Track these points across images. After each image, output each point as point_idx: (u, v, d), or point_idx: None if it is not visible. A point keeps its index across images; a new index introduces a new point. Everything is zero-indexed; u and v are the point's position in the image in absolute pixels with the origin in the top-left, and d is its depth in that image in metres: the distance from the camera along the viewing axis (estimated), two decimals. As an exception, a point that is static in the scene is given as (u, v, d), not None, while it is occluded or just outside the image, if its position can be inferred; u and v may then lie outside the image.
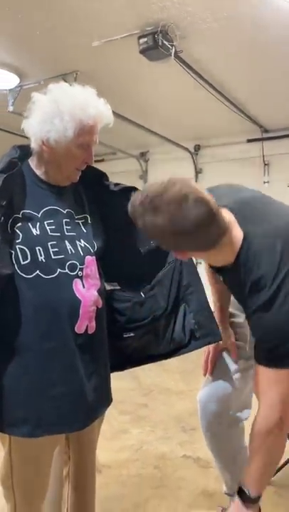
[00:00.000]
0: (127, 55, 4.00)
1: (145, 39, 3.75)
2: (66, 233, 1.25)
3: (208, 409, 1.60)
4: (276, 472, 2.01)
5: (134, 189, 1.43)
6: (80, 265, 1.23)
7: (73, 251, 1.24)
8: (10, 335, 1.15)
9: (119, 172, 7.05)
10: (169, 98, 5.05)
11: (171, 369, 3.53)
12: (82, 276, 1.23)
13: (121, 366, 1.47)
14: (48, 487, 1.21)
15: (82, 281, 1.23)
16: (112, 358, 1.37)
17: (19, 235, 1.17)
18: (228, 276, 1.32)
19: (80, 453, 1.36)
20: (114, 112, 4.66)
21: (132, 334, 1.42)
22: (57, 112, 1.17)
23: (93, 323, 1.24)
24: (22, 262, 1.16)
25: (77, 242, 1.26)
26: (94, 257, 1.28)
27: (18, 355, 1.15)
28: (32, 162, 1.28)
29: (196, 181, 6.54)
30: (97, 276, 1.29)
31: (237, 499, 1.25)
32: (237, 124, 5.57)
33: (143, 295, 1.44)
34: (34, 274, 1.16)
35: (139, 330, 1.42)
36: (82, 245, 1.27)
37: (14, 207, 1.19)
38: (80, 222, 1.31)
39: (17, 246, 1.16)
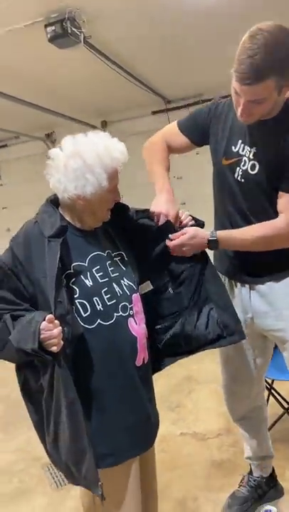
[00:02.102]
0: (34, 43, 3.84)
1: (53, 27, 3.63)
2: (112, 275, 1.32)
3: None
4: (270, 427, 2.32)
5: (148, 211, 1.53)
6: (129, 305, 1.32)
7: (121, 292, 1.32)
8: (85, 382, 1.23)
9: (25, 156, 6.80)
10: (76, 79, 4.95)
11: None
12: (133, 314, 1.32)
13: (158, 367, 1.54)
14: (135, 496, 1.33)
15: (134, 318, 1.32)
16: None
17: (76, 290, 1.23)
18: (272, 127, 1.46)
19: (145, 461, 1.48)
20: (14, 97, 4.40)
21: (160, 326, 1.52)
22: (86, 167, 1.20)
23: (146, 354, 1.36)
24: (84, 315, 1.22)
25: (122, 282, 1.34)
26: (138, 293, 1.37)
27: (95, 399, 1.24)
28: (64, 213, 1.31)
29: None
30: (143, 309, 1.38)
31: (206, 235, 1.51)
32: (141, 98, 5.64)
33: (172, 291, 1.54)
34: (96, 324, 1.24)
35: (168, 321, 1.52)
36: (126, 284, 1.34)
37: (65, 263, 1.23)
38: (117, 260, 1.38)
39: (76, 301, 1.22)
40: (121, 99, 5.73)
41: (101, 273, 1.29)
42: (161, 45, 4.38)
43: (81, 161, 1.21)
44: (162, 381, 3.20)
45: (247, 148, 1.52)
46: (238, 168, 1.55)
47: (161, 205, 1.52)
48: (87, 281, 1.25)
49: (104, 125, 6.38)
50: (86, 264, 1.27)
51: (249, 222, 1.54)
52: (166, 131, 1.76)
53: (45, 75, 4.72)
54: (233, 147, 1.57)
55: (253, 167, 1.51)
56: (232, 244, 1.54)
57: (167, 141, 1.73)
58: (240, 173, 1.54)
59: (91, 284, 1.25)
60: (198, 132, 1.67)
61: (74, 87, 5.15)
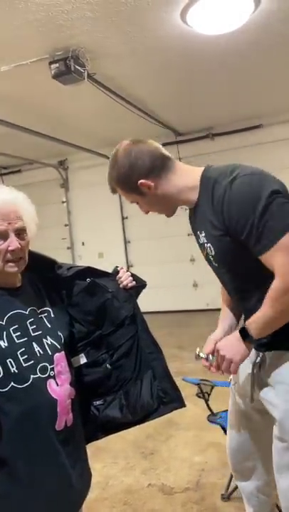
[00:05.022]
0: (39, 79, 3.96)
1: (57, 64, 3.73)
2: (32, 334, 1.28)
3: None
4: None
5: (88, 269, 1.51)
6: (50, 365, 1.27)
7: (42, 352, 1.27)
8: None
9: (39, 182, 6.95)
10: (85, 112, 5.07)
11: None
12: (54, 375, 1.28)
13: (94, 436, 1.55)
14: None
15: (55, 379, 1.28)
16: (85, 429, 1.43)
17: None
18: (200, 210, 1.42)
19: None
20: (25, 128, 4.59)
21: (101, 401, 1.51)
22: None
23: (70, 415, 1.30)
24: None
25: (44, 341, 1.30)
26: (62, 352, 1.33)
27: (7, 465, 1.18)
28: None
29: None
30: (68, 369, 1.34)
31: (236, 333, 1.36)
32: (151, 129, 5.71)
33: (109, 366, 1.52)
34: (9, 387, 1.19)
35: (108, 397, 1.49)
36: (49, 343, 1.30)
37: None
38: (43, 316, 1.34)
39: None
40: (130, 131, 5.77)
41: (19, 332, 1.25)
42: (170, 79, 4.45)
43: None
44: (141, 425, 3.11)
45: (201, 235, 1.48)
46: (210, 257, 1.49)
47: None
48: (1, 342, 1.21)
49: (115, 155, 6.49)
50: (3, 323, 1.24)
51: (243, 298, 1.49)
52: None
53: (54, 107, 4.85)
54: (198, 240, 1.52)
55: (210, 249, 1.45)
56: (261, 327, 1.35)
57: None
58: (212, 258, 1.48)
59: (6, 345, 1.22)
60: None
61: (82, 118, 5.26)
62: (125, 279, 1.54)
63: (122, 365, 1.50)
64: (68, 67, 3.69)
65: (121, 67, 4.15)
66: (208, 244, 1.44)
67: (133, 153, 1.40)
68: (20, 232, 1.28)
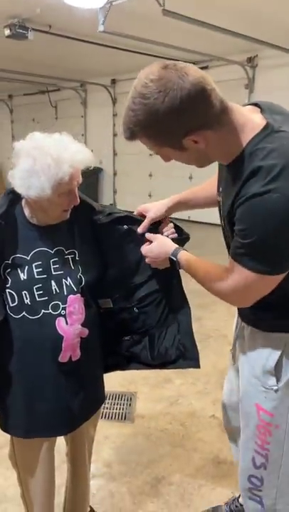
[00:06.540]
0: None
1: None
2: (53, 273, 1.38)
3: None
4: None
5: (127, 217, 1.50)
6: (62, 305, 1.38)
7: (58, 291, 1.37)
8: (3, 363, 1.40)
9: (223, 81, 6.52)
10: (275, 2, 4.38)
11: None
12: (65, 314, 1.38)
13: (119, 366, 1.67)
14: (42, 465, 1.52)
15: (65, 318, 1.38)
16: (110, 358, 1.61)
17: (9, 280, 1.34)
18: (230, 173, 1.19)
19: (73, 442, 1.65)
20: (208, 24, 4.22)
21: (128, 338, 1.61)
22: (33, 170, 1.22)
23: (77, 352, 1.42)
24: (11, 304, 1.34)
25: (64, 281, 1.39)
26: (78, 295, 1.41)
27: (12, 379, 1.41)
28: (25, 205, 1.38)
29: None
30: (81, 311, 1.42)
31: (169, 250, 1.40)
32: None
33: (136, 310, 1.57)
34: (21, 315, 1.35)
35: (135, 336, 1.60)
36: (68, 284, 1.39)
37: (5, 253, 1.34)
38: (69, 257, 1.41)
39: (7, 290, 1.34)
40: None
41: (40, 269, 1.35)
42: None
43: (32, 164, 1.22)
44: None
45: (220, 193, 1.32)
46: (220, 214, 1.35)
47: (149, 204, 1.51)
48: (21, 275, 1.33)
49: (312, 54, 5.57)
50: (28, 258, 1.34)
51: None
52: None
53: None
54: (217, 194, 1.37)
55: (221, 210, 1.32)
56: (190, 272, 1.36)
57: None
58: (220, 209, 1.33)
59: (24, 278, 1.33)
60: None
61: (272, 10, 4.56)
62: (166, 231, 1.49)
63: (148, 312, 1.57)
64: None
65: None
66: (219, 199, 1.33)
67: (180, 94, 1.02)
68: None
